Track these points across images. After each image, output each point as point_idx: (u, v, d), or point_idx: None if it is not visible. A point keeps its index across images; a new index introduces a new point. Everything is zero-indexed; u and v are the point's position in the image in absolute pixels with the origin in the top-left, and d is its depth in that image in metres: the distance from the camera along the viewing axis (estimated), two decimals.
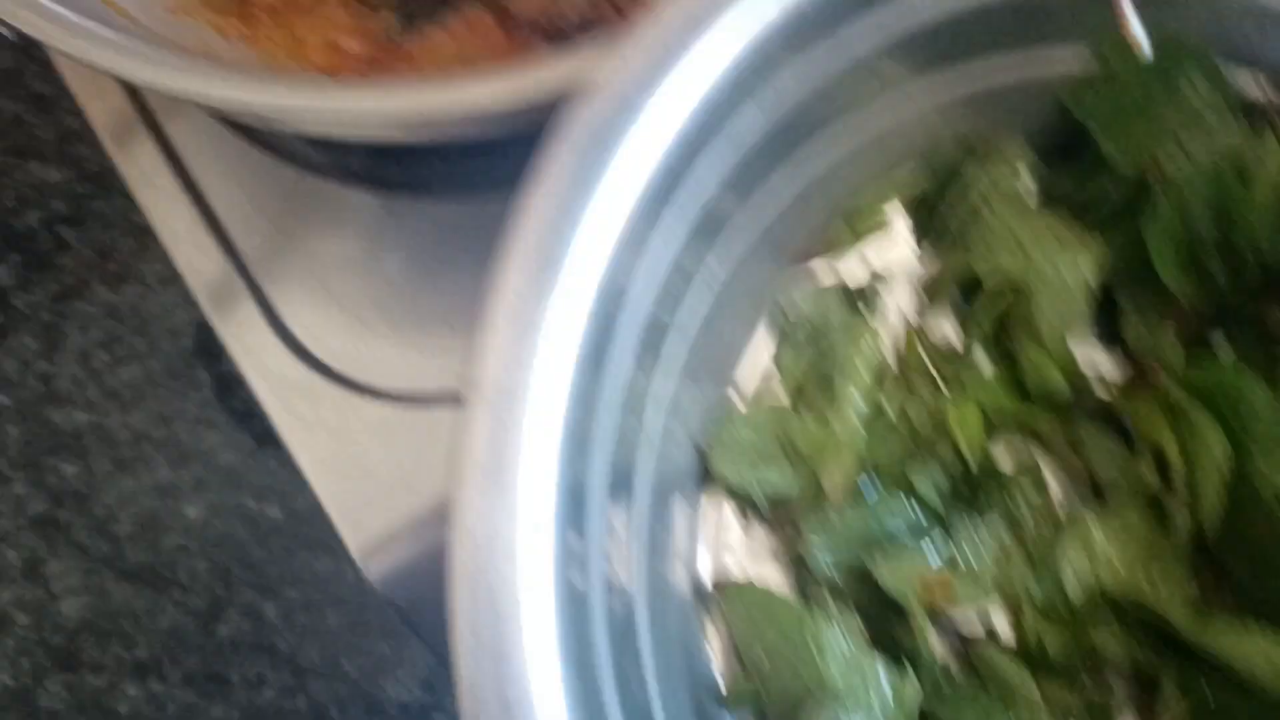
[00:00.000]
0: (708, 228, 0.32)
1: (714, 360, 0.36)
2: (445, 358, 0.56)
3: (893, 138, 0.36)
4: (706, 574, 0.36)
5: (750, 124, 0.31)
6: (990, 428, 0.35)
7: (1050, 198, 0.37)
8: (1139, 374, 0.37)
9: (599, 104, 0.28)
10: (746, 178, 0.33)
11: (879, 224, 0.38)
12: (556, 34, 0.50)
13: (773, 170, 0.33)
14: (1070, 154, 0.37)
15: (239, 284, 0.62)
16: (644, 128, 0.28)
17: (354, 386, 0.57)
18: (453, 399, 0.55)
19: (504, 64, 0.48)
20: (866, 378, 0.35)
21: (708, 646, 0.35)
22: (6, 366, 0.80)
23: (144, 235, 0.81)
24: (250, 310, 0.61)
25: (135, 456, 0.78)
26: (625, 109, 0.28)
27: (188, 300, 0.79)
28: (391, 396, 0.56)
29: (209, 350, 0.79)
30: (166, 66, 0.38)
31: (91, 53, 0.39)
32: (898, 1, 0.32)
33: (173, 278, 0.81)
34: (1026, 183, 0.37)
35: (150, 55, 0.38)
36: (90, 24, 0.41)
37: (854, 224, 0.37)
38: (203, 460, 0.78)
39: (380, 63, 0.50)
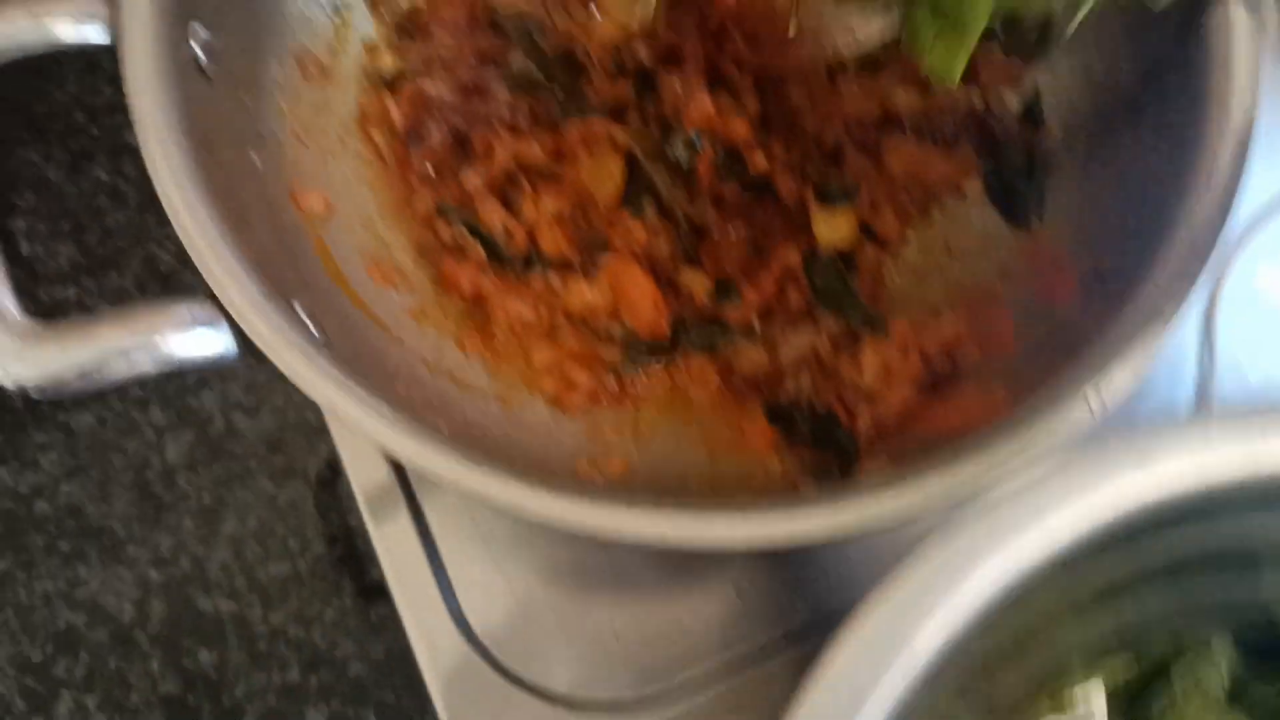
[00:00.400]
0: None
1: None
2: (606, 669, 0.58)
3: (1110, 631, 0.38)
4: None
5: (996, 635, 0.33)
6: None
7: (1245, 695, 0.38)
8: None
9: (869, 632, 0.31)
10: (977, 677, 0.35)
11: (1080, 702, 0.39)
12: (773, 400, 0.53)
13: (1001, 669, 0.35)
14: (1273, 657, 0.38)
15: (399, 497, 0.65)
16: (911, 654, 0.31)
17: (507, 674, 0.59)
18: (608, 710, 0.57)
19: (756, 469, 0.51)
20: None
21: None
22: (163, 543, 0.84)
23: (316, 434, 0.85)
24: (406, 527, 0.64)
25: (270, 653, 0.81)
26: (890, 648, 0.30)
27: (346, 505, 0.82)
28: (545, 694, 0.58)
29: (357, 558, 0.82)
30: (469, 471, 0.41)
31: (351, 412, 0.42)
32: (1162, 539, 0.34)
33: (334, 481, 0.84)
34: (1223, 678, 0.39)
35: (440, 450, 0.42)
36: (338, 373, 0.45)
37: (1057, 699, 0.39)
38: (333, 667, 0.80)
39: (599, 399, 0.53)
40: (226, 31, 0.54)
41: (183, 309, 0.43)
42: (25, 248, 0.89)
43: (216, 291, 0.43)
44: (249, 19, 0.56)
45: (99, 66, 0.93)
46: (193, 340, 0.43)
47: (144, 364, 0.43)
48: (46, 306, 0.88)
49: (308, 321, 0.47)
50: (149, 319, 0.43)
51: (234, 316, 0.43)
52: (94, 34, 0.47)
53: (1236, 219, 0.60)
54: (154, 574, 0.84)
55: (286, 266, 0.51)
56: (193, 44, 0.51)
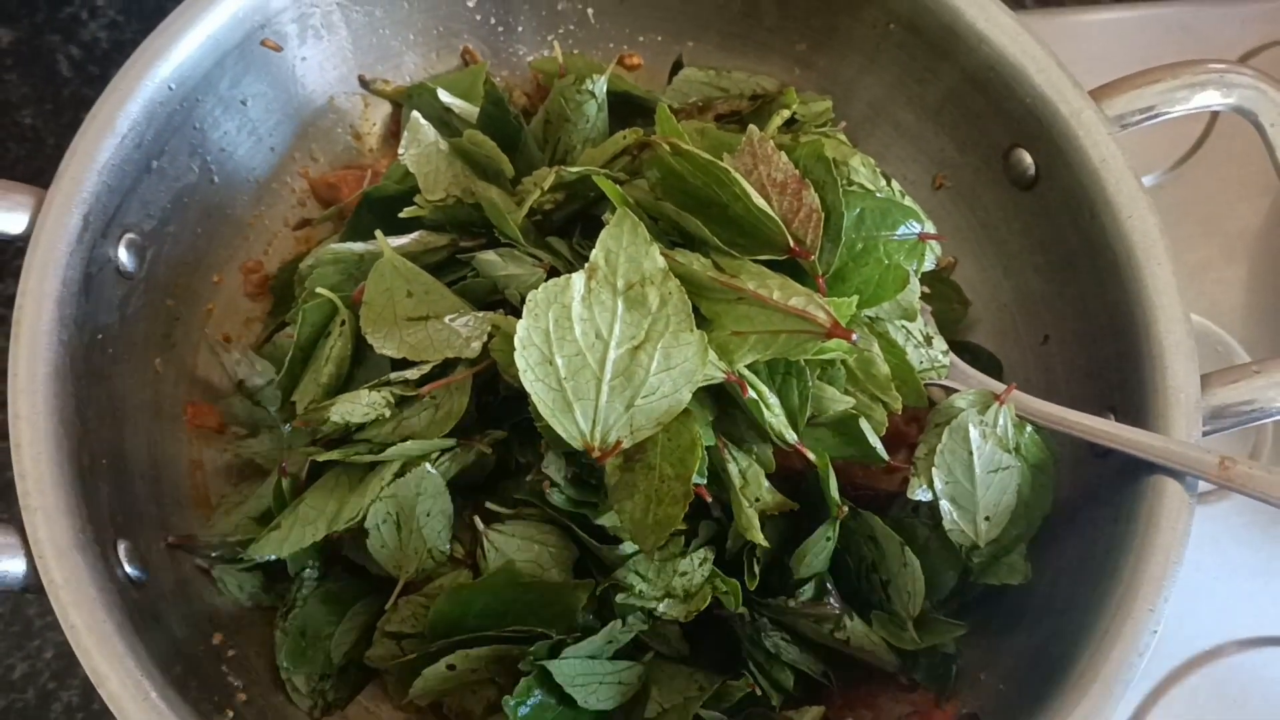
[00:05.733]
0: None
1: None
2: None
3: None
4: None
5: None
6: None
7: None
8: None
9: None
10: None
11: None
12: None
13: None
14: None
15: None
16: None
17: None
18: None
19: None
20: None
21: None
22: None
23: None
24: None
25: None
26: None
27: None
28: None
29: None
30: None
31: None
32: None
33: None
34: None
35: None
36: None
37: None
38: None
39: None
40: (167, 242, 0.53)
41: None
42: None
43: (27, 525, 0.42)
44: (198, 237, 0.56)
45: None
46: None
47: None
48: None
49: (125, 563, 0.46)
50: None
51: (35, 555, 0.42)
52: (13, 225, 0.47)
53: (1153, 673, 0.58)
54: None
55: (141, 492, 0.50)
56: (119, 249, 0.50)
